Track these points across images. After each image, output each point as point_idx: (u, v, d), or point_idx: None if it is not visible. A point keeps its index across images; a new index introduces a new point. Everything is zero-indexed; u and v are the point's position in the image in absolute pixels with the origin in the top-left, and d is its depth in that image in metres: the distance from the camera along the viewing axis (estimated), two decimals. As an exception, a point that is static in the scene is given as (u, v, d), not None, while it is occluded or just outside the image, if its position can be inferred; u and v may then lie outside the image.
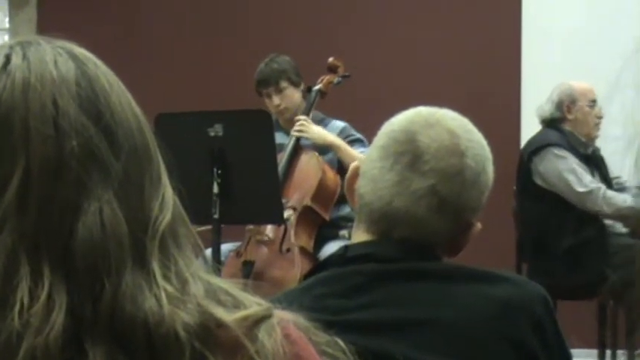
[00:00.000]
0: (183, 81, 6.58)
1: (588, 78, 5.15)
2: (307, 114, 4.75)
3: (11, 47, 1.01)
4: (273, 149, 4.03)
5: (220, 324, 0.97)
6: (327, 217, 4.63)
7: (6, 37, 6.92)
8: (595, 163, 5.06)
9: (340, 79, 4.98)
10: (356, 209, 1.73)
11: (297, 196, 4.60)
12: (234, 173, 3.88)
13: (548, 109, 5.08)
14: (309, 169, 4.64)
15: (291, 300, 1.27)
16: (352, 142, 4.65)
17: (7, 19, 6.98)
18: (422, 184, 1.64)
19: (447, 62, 6.41)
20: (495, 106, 6.17)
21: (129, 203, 0.97)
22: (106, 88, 1.01)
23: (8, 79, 0.98)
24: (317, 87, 4.88)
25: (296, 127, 4.66)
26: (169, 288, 0.96)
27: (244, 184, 3.90)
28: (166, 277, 0.97)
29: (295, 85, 4.79)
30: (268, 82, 4.77)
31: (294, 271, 4.39)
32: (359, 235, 1.71)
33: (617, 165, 5.13)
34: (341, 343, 1.10)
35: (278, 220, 4.28)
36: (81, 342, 0.92)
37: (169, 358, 0.94)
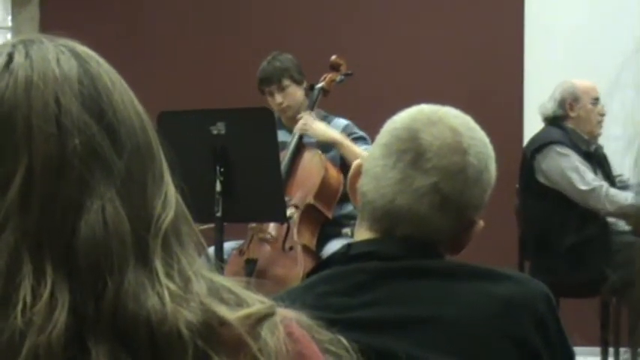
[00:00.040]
0: (185, 79, 6.58)
1: (591, 76, 5.14)
2: (310, 112, 4.75)
3: (14, 45, 1.01)
4: (276, 147, 4.03)
5: (223, 322, 0.97)
6: (329, 215, 4.63)
7: (8, 36, 6.92)
8: (598, 160, 5.06)
9: (343, 77, 4.97)
10: (358, 207, 1.73)
11: (299, 194, 4.60)
12: (237, 171, 3.88)
13: (550, 107, 5.08)
14: (312, 167, 4.64)
15: (293, 298, 1.27)
16: (355, 140, 4.65)
17: (9, 18, 6.98)
18: (424, 181, 1.64)
19: (450, 60, 6.40)
20: (498, 104, 6.17)
21: (131, 201, 0.97)
22: (108, 86, 1.01)
23: (11, 78, 0.98)
24: (320, 85, 4.88)
25: (299, 124, 4.66)
26: (172, 286, 0.96)
27: (247, 182, 3.90)
28: (169, 276, 0.97)
29: (298, 83, 4.79)
30: (271, 81, 4.77)
31: (296, 269, 4.39)
32: (361, 233, 1.71)
33: (618, 164, 5.13)
34: (344, 341, 1.10)
35: (281, 218, 4.28)
36: (83, 340, 0.92)
37: (172, 357, 0.94)
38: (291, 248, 4.51)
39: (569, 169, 4.89)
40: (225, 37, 6.64)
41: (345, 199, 4.53)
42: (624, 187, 5.05)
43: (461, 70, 6.37)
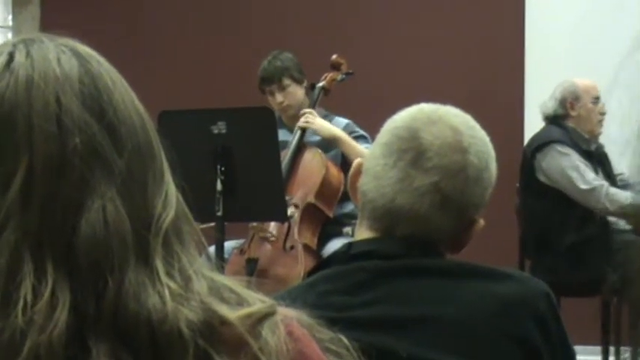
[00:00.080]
0: (186, 78, 6.59)
1: (591, 75, 5.14)
2: (311, 111, 4.76)
3: (14, 45, 1.01)
4: (277, 146, 4.03)
5: (224, 321, 0.97)
6: (330, 214, 4.63)
7: (9, 35, 6.92)
8: (598, 159, 5.06)
9: (344, 76, 4.98)
10: (359, 206, 1.74)
11: (300, 193, 4.60)
12: (238, 171, 3.89)
13: (551, 106, 5.08)
14: (313, 166, 4.64)
15: (294, 297, 1.27)
16: (356, 139, 4.65)
17: (10, 17, 6.99)
18: (425, 181, 1.64)
19: (450, 59, 6.40)
20: (498, 103, 6.17)
21: (132, 201, 0.97)
22: (109, 85, 1.01)
23: (12, 77, 0.98)
24: (320, 84, 4.89)
25: (302, 119, 4.66)
26: (173, 285, 0.96)
27: (248, 182, 3.90)
28: (170, 275, 0.97)
29: (298, 82, 4.80)
30: (271, 80, 4.77)
31: (297, 268, 4.40)
32: (362, 232, 1.71)
33: (617, 162, 5.13)
34: (345, 340, 1.10)
35: (282, 217, 4.28)
36: (84, 339, 0.92)
37: (173, 356, 0.94)
38: (291, 247, 4.51)
39: (570, 168, 4.89)
40: (226, 37, 6.64)
41: (345, 198, 4.54)
42: (625, 186, 5.06)
43: (461, 69, 6.37)
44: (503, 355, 1.58)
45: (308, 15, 6.60)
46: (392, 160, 1.66)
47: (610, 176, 5.04)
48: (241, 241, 4.67)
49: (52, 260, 0.93)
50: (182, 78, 6.58)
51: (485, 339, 1.57)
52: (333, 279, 1.63)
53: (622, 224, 4.96)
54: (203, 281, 0.99)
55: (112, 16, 6.74)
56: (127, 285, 0.94)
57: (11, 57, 1.00)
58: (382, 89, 6.18)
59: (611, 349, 5.03)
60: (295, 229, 4.54)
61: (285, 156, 4.59)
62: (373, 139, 1.78)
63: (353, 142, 4.59)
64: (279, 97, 4.77)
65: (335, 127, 4.67)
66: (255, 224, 4.59)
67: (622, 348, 4.99)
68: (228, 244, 4.46)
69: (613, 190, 4.85)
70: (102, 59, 1.04)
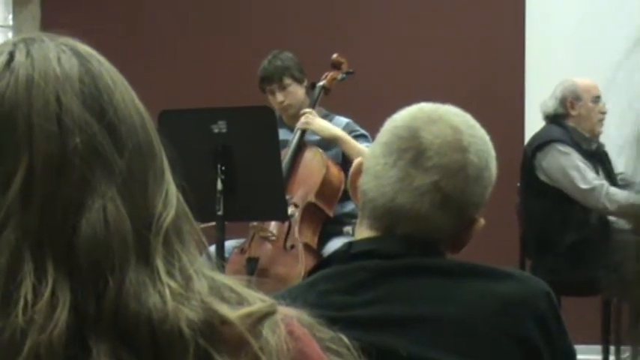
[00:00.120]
0: (186, 78, 6.59)
1: (592, 74, 5.14)
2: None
3: (15, 44, 1.01)
4: (277, 146, 4.03)
5: (224, 321, 0.97)
6: (331, 213, 4.63)
7: (10, 34, 6.92)
8: (599, 159, 5.06)
9: (344, 75, 4.98)
10: (359, 205, 1.74)
11: (301, 192, 4.60)
12: (238, 170, 3.88)
13: (551, 105, 5.08)
14: (313, 165, 4.64)
15: (295, 296, 1.27)
16: (356, 138, 4.65)
17: (10, 17, 6.99)
18: (425, 180, 1.64)
19: (451, 59, 6.40)
20: (499, 102, 6.17)
21: (132, 200, 0.97)
22: (109, 85, 1.01)
23: (12, 77, 0.98)
24: (321, 83, 4.88)
25: (302, 120, 4.66)
26: (173, 284, 0.96)
27: (248, 181, 3.90)
28: (170, 274, 0.97)
29: (299, 81, 4.79)
30: (272, 79, 4.77)
31: (298, 267, 4.40)
32: (362, 231, 1.71)
33: (615, 162, 5.13)
34: (345, 339, 1.10)
35: (282, 216, 4.28)
36: (85, 339, 0.92)
37: (173, 355, 0.94)
38: (292, 247, 4.51)
39: (570, 167, 4.89)
40: (226, 36, 6.64)
41: (346, 197, 4.54)
42: (626, 185, 5.05)
43: (462, 69, 6.37)
44: (503, 354, 1.58)
45: (308, 14, 6.60)
46: (392, 160, 1.66)
47: (610, 175, 5.04)
48: (242, 240, 4.67)
49: (53, 260, 0.93)
50: (182, 77, 6.58)
51: (485, 338, 1.58)
52: (334, 278, 1.63)
53: (623, 223, 4.95)
54: (204, 281, 0.99)
55: (112, 15, 6.74)
56: (128, 284, 0.94)
57: (11, 56, 1.00)
58: (382, 88, 6.18)
59: (612, 348, 5.03)
60: (296, 229, 4.54)
61: (286, 155, 4.58)
62: (373, 138, 1.78)
63: (353, 142, 4.59)
64: (279, 97, 4.77)
65: (335, 127, 4.67)
66: (255, 223, 4.59)
67: (622, 347, 4.99)
68: (229, 244, 4.46)
69: (613, 189, 4.85)
70: (102, 59, 1.04)
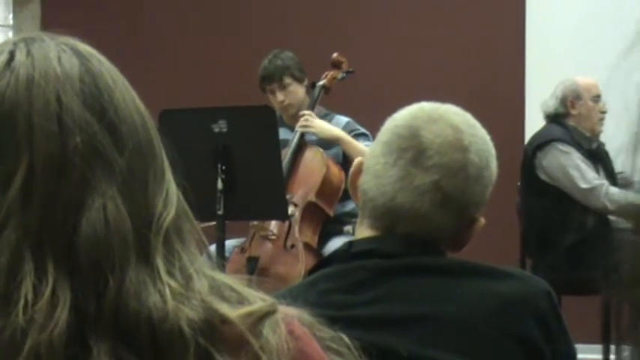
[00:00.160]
0: (187, 77, 6.59)
1: (592, 74, 5.14)
2: (311, 109, 4.75)
3: (15, 44, 1.01)
4: (278, 145, 4.03)
5: (225, 320, 0.97)
6: (331, 212, 4.63)
7: (10, 34, 6.92)
8: (600, 158, 5.06)
9: (344, 74, 4.98)
10: (360, 205, 1.73)
11: (301, 192, 4.60)
12: (239, 169, 3.88)
13: (552, 105, 5.08)
14: (314, 164, 4.64)
15: (295, 296, 1.28)
16: (357, 137, 4.65)
17: (11, 16, 6.99)
18: (425, 179, 1.64)
19: (451, 58, 6.40)
20: (499, 101, 6.17)
21: (133, 199, 0.97)
22: (109, 84, 1.01)
23: (12, 76, 0.98)
24: (321, 82, 4.88)
25: (301, 122, 4.66)
26: (173, 284, 0.96)
27: (248, 180, 3.90)
28: (170, 273, 0.97)
29: (299, 81, 4.79)
30: (272, 79, 4.77)
31: (298, 266, 4.40)
32: (363, 230, 1.71)
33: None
34: (346, 338, 1.10)
35: (282, 216, 4.28)
36: (85, 338, 0.92)
37: (174, 354, 0.94)
38: (292, 246, 4.51)
39: (571, 166, 4.89)
40: (227, 35, 6.64)
41: (346, 196, 4.54)
42: (626, 184, 5.05)
43: (462, 68, 6.37)
44: (503, 353, 1.58)
45: (308, 14, 6.60)
46: (392, 159, 1.66)
47: (611, 175, 5.04)
48: (242, 239, 4.67)
49: (53, 259, 0.93)
50: (183, 77, 6.58)
51: (485, 338, 1.58)
52: (334, 278, 1.63)
53: (622, 223, 4.95)
54: (204, 280, 0.99)
55: (112, 15, 6.74)
56: (128, 284, 0.94)
57: (12, 56, 1.00)
58: (383, 88, 6.18)
59: (612, 347, 5.03)
60: (296, 228, 4.54)
61: (286, 155, 4.58)
62: (374, 137, 1.78)
63: (354, 142, 4.59)
64: (280, 96, 4.77)
65: (335, 128, 4.67)
66: (255, 223, 4.59)
67: (623, 347, 4.99)
68: (229, 243, 4.46)
69: (613, 189, 4.85)
70: (103, 58, 1.04)
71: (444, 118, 1.68)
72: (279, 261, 4.49)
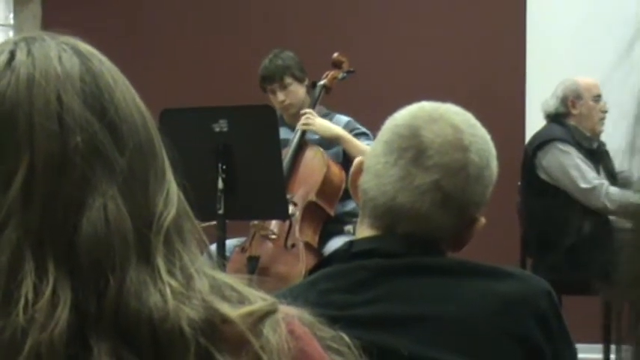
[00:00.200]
0: (187, 77, 6.58)
1: (593, 74, 5.14)
2: (312, 109, 4.75)
3: (16, 43, 1.02)
4: (278, 145, 4.03)
5: (225, 319, 0.97)
6: (331, 212, 4.63)
7: (10, 34, 6.92)
8: (600, 157, 5.06)
9: (345, 74, 4.98)
10: (360, 204, 1.73)
11: (301, 191, 4.60)
12: (239, 169, 3.88)
13: (552, 104, 5.08)
14: (314, 164, 4.64)
15: (296, 295, 1.28)
16: (357, 136, 4.65)
17: (11, 15, 6.98)
18: (426, 179, 1.64)
19: (452, 58, 6.40)
20: (500, 101, 6.17)
21: (133, 199, 0.97)
22: (110, 83, 1.01)
23: (13, 75, 0.98)
24: (322, 82, 4.88)
25: (302, 120, 4.66)
26: (174, 283, 0.96)
27: (249, 180, 3.90)
28: (171, 273, 0.97)
29: (299, 80, 4.79)
30: (272, 79, 4.76)
31: (299, 266, 4.40)
32: (363, 230, 1.71)
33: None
34: (346, 338, 1.10)
35: (283, 215, 4.28)
36: (85, 338, 0.92)
37: (174, 354, 0.94)
38: (293, 245, 4.51)
39: (571, 166, 4.89)
40: (228, 35, 6.64)
41: (347, 196, 4.54)
42: (626, 184, 5.05)
43: (462, 68, 6.37)
44: (504, 353, 1.58)
45: (309, 13, 6.60)
46: (393, 159, 1.66)
47: (612, 174, 5.04)
48: (242, 239, 4.67)
49: (54, 259, 0.93)
50: (183, 76, 6.58)
51: (486, 337, 1.58)
52: (335, 277, 1.63)
53: (622, 223, 4.95)
54: (204, 279, 0.99)
55: (113, 14, 6.74)
56: (129, 283, 0.94)
57: (12, 55, 1.00)
58: (383, 88, 6.18)
59: (613, 347, 5.03)
60: (296, 228, 4.54)
61: (287, 154, 4.58)
62: (374, 136, 1.78)
63: (355, 141, 4.59)
64: (280, 96, 4.76)
65: (336, 126, 4.67)
66: (256, 222, 4.59)
67: (623, 346, 4.99)
68: (230, 242, 4.46)
69: (613, 189, 4.85)
70: (103, 57, 1.04)
71: (444, 118, 1.68)
72: (280, 260, 4.49)
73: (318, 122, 4.65)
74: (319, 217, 4.63)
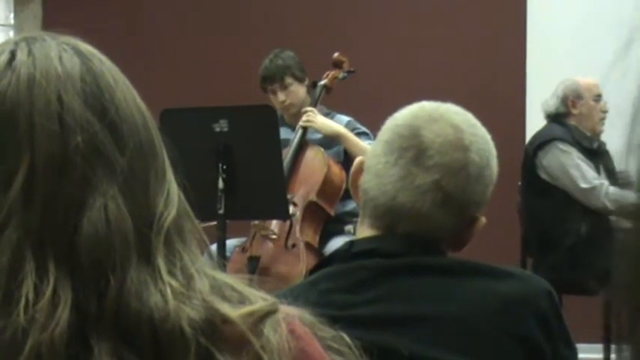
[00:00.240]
0: (188, 77, 6.58)
1: (593, 74, 5.14)
2: (313, 109, 4.75)
3: (16, 43, 1.02)
4: (279, 145, 4.03)
5: (226, 319, 0.97)
6: (332, 212, 4.63)
7: (11, 34, 6.92)
8: (600, 157, 5.06)
9: (345, 74, 4.97)
10: (360, 204, 1.73)
11: (302, 191, 4.60)
12: (240, 169, 3.88)
13: (553, 104, 5.08)
14: (315, 164, 4.64)
15: (296, 295, 1.28)
16: (358, 135, 4.65)
17: (12, 15, 6.98)
18: (426, 178, 1.64)
19: (452, 57, 6.40)
20: (500, 101, 6.17)
21: (134, 199, 0.97)
22: (110, 83, 1.01)
23: (13, 75, 0.98)
24: (322, 82, 4.88)
25: (303, 118, 4.66)
26: (175, 283, 0.96)
27: (249, 180, 3.90)
28: (171, 273, 0.97)
29: (300, 80, 4.79)
30: (273, 79, 4.76)
31: (299, 266, 4.40)
32: (364, 230, 1.71)
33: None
34: (347, 338, 1.10)
35: (283, 215, 4.28)
36: (86, 338, 0.92)
37: (175, 354, 0.94)
38: (293, 245, 4.51)
39: (571, 166, 4.89)
40: (228, 35, 6.64)
41: (347, 196, 4.53)
42: (627, 184, 5.04)
43: (463, 68, 6.37)
44: (504, 353, 1.58)
45: (309, 13, 6.60)
46: (393, 158, 1.66)
47: (612, 174, 5.04)
48: (243, 239, 4.67)
49: (54, 259, 0.93)
50: (183, 76, 6.58)
51: (486, 337, 1.58)
52: (335, 277, 1.63)
53: (622, 223, 4.94)
54: (205, 279, 0.99)
55: (113, 14, 6.74)
56: (129, 283, 0.94)
57: (13, 55, 1.00)
58: (384, 87, 6.18)
59: (613, 347, 5.03)
60: (297, 227, 4.54)
61: (287, 154, 4.58)
62: (375, 136, 1.78)
63: (355, 139, 4.59)
64: (281, 96, 4.76)
65: (337, 124, 4.67)
66: (256, 222, 4.59)
67: (624, 346, 4.99)
68: (230, 242, 4.46)
69: (613, 189, 4.86)
70: (104, 57, 1.04)
71: (444, 118, 1.68)
72: (280, 260, 4.49)
73: (320, 120, 4.65)
74: (320, 217, 4.62)
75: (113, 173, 0.97)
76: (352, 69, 5.00)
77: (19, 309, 0.91)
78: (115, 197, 0.96)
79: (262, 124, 4.00)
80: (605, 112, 5.04)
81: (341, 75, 4.95)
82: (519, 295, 1.61)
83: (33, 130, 0.95)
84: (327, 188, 4.59)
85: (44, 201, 0.94)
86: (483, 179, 1.67)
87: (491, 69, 6.33)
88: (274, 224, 4.60)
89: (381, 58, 6.41)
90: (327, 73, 4.93)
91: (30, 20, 6.80)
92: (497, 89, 6.26)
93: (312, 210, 4.58)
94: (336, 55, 5.01)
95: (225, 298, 0.99)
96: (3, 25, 7.05)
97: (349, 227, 4.68)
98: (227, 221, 3.93)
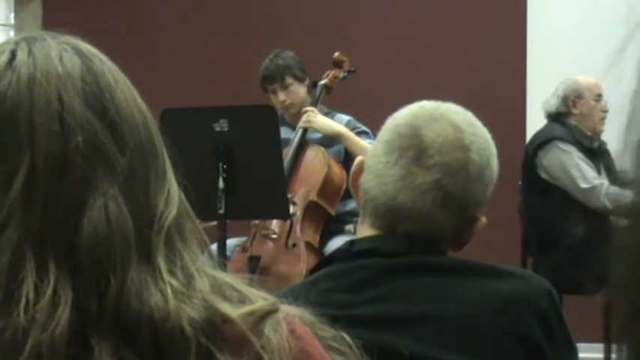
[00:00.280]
0: (188, 76, 6.58)
1: (593, 73, 5.14)
2: (313, 108, 4.75)
3: (17, 43, 1.02)
4: (279, 144, 4.03)
5: (226, 319, 0.97)
6: (332, 211, 4.63)
7: (11, 33, 6.92)
8: (601, 157, 5.05)
9: (346, 74, 4.97)
10: (361, 204, 1.73)
11: (302, 191, 4.60)
12: (240, 168, 3.88)
13: (553, 104, 5.08)
14: (315, 164, 4.64)
15: (297, 295, 1.28)
16: (358, 135, 4.64)
17: (12, 15, 6.99)
18: (427, 178, 1.64)
19: (452, 57, 6.40)
20: (501, 100, 6.17)
21: (134, 199, 0.97)
22: (111, 83, 1.01)
23: (14, 75, 0.98)
24: (322, 82, 4.88)
25: (303, 118, 4.66)
26: (175, 283, 0.96)
27: (250, 180, 3.90)
28: (172, 273, 0.97)
29: (300, 80, 4.79)
30: (273, 79, 4.76)
31: (300, 266, 4.40)
32: (364, 229, 1.71)
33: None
34: (347, 337, 1.10)
35: (284, 215, 4.28)
36: (86, 338, 0.92)
37: (175, 354, 0.94)
38: (294, 245, 4.51)
39: (571, 166, 4.89)
40: (228, 34, 6.64)
41: (348, 195, 4.53)
42: (627, 184, 5.04)
43: (463, 67, 6.37)
44: (504, 352, 1.58)
45: (309, 13, 6.60)
46: (393, 158, 1.66)
47: (613, 174, 5.03)
48: (243, 238, 4.67)
49: (54, 258, 0.93)
50: (184, 76, 6.58)
51: (486, 337, 1.57)
52: (336, 277, 1.63)
53: (622, 223, 4.94)
54: (205, 279, 0.99)
55: (114, 14, 6.74)
56: (130, 283, 0.94)
57: (13, 55, 1.00)
58: (384, 87, 6.18)
59: (614, 346, 5.02)
60: (297, 227, 4.54)
61: (287, 154, 4.58)
62: (375, 136, 1.78)
63: (356, 138, 4.59)
64: (281, 96, 4.76)
65: (337, 124, 4.67)
66: (257, 222, 4.58)
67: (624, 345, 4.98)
68: (231, 242, 4.46)
69: (613, 189, 4.85)
70: (104, 57, 1.04)
71: (445, 117, 1.68)
72: (281, 260, 4.49)
73: (320, 120, 4.65)
74: (320, 217, 4.62)
75: (113, 173, 0.97)
76: (352, 69, 5.00)
77: (20, 309, 0.91)
78: (116, 197, 0.96)
79: (262, 124, 4.00)
80: (605, 111, 5.04)
81: (341, 75, 4.95)
82: (520, 294, 1.61)
83: (33, 129, 0.95)
84: (327, 188, 4.59)
85: (44, 201, 0.94)
86: (484, 179, 1.67)
87: (491, 69, 6.33)
88: (275, 224, 4.60)
89: (382, 58, 6.41)
90: (328, 72, 4.93)
91: (30, 20, 6.80)
92: (497, 89, 6.26)
93: (312, 209, 4.58)
94: (336, 54, 5.01)
95: (225, 298, 0.99)
96: (3, 25, 7.05)
97: (350, 227, 4.67)
98: (227, 221, 3.93)
